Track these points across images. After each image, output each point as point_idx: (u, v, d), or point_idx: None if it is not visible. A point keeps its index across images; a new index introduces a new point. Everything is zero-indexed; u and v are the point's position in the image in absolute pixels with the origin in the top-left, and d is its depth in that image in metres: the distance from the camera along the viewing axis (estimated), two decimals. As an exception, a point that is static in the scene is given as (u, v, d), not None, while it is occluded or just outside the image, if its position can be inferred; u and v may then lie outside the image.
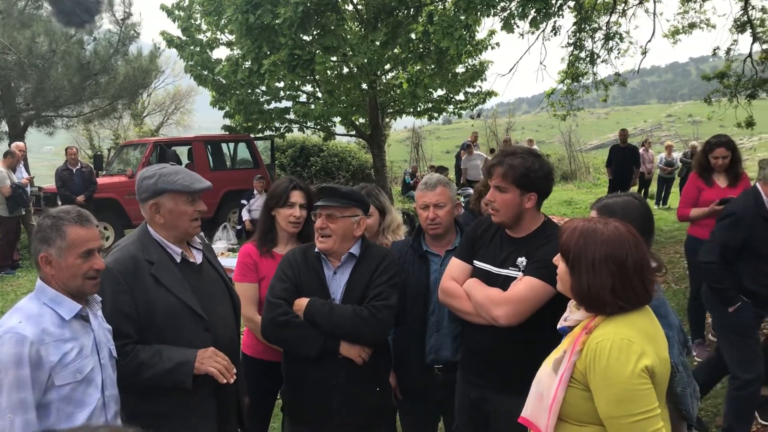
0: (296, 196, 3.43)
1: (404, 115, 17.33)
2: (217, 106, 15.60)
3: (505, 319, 2.72)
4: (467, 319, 2.93)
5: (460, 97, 16.51)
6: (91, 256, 2.33)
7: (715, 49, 14.18)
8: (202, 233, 2.98)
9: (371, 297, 2.91)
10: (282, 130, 16.51)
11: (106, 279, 2.55)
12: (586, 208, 15.48)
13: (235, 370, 2.70)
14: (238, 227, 13.02)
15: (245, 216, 12.48)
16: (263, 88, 14.76)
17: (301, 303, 2.91)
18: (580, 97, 14.73)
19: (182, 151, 15.36)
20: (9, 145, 13.44)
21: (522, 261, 2.81)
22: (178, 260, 2.75)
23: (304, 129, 16.99)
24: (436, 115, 16.87)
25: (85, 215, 2.35)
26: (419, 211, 3.34)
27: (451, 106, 16.76)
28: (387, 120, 18.10)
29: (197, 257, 2.87)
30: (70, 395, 2.25)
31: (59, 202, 11.75)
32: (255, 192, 12.65)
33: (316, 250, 3.00)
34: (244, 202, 12.66)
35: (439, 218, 3.29)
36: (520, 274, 2.79)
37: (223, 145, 15.52)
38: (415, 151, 25.99)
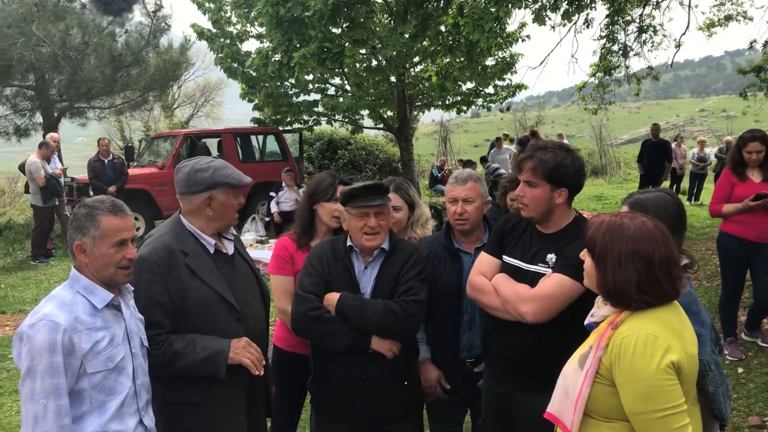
0: (341, 190, 3.42)
1: (432, 108, 17.31)
2: (247, 98, 15.68)
3: (533, 315, 2.71)
4: (494, 314, 2.93)
5: (490, 90, 16.40)
6: (124, 245, 2.35)
7: (752, 42, 13.80)
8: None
9: (401, 292, 2.91)
10: (310, 123, 16.56)
11: (141, 269, 2.58)
12: (616, 204, 15.36)
13: (264, 362, 2.72)
14: (267, 219, 13.11)
15: (273, 208, 12.54)
16: (292, 80, 14.82)
17: (332, 298, 2.91)
18: (611, 90, 14.51)
19: (212, 143, 15.48)
20: (44, 136, 13.63)
21: (551, 257, 2.80)
22: (212, 251, 2.78)
23: (332, 122, 17.04)
24: (464, 108, 16.77)
25: (119, 205, 2.37)
26: (447, 205, 3.34)
27: (480, 99, 16.64)
28: (415, 113, 18.03)
29: (229, 248, 2.89)
30: (102, 383, 2.27)
31: (91, 193, 11.85)
32: (283, 184, 12.66)
33: (349, 244, 3.02)
34: (272, 194, 12.71)
35: (467, 213, 3.29)
36: (549, 270, 2.78)
37: (252, 138, 15.58)
38: (443, 144, 25.97)
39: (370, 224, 2.93)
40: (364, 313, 2.86)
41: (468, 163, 16.12)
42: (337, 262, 2.99)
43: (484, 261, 3.02)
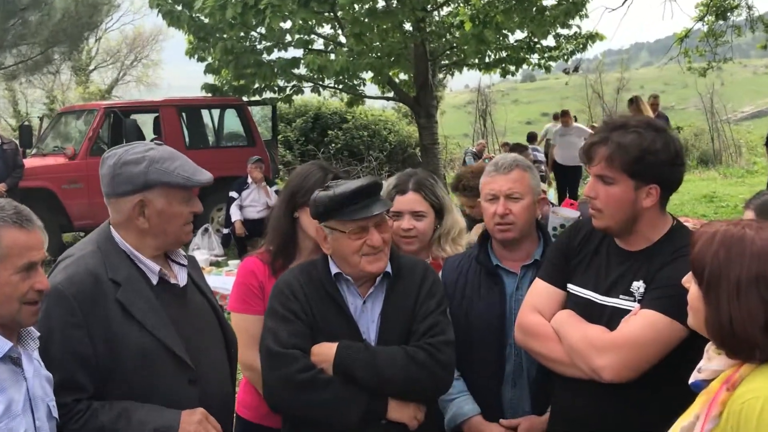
0: None
1: (465, 69, 17.48)
2: (196, 56, 15.92)
3: (612, 371, 2.70)
4: (557, 369, 2.94)
5: (549, 41, 16.62)
6: (32, 271, 2.38)
7: None
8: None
9: (423, 331, 2.97)
10: (288, 92, 16.70)
11: (53, 306, 2.60)
12: (736, 207, 15.26)
13: None
14: (225, 231, 13.30)
15: (235, 215, 12.69)
16: (262, 30, 14.96)
17: (325, 350, 2.94)
18: (727, 42, 14.43)
19: (145, 121, 15.77)
20: None
21: (639, 286, 2.79)
22: (155, 281, 2.82)
23: (320, 89, 17.23)
24: (512, 68, 16.89)
25: (25, 213, 2.38)
26: (484, 204, 3.39)
27: (536, 56, 16.84)
28: (440, 76, 18.46)
29: (180, 277, 2.95)
30: None
31: (-31, 194, 11.69)
32: (249, 181, 12.83)
33: (335, 271, 3.05)
34: (233, 194, 12.86)
35: (513, 215, 3.32)
36: (636, 305, 2.77)
37: (204, 113, 15.87)
38: (481, 121, 25.81)
39: (372, 242, 2.97)
40: (379, 367, 2.89)
41: (517, 149, 15.89)
42: (321, 298, 3.03)
43: (541, 292, 3.04)
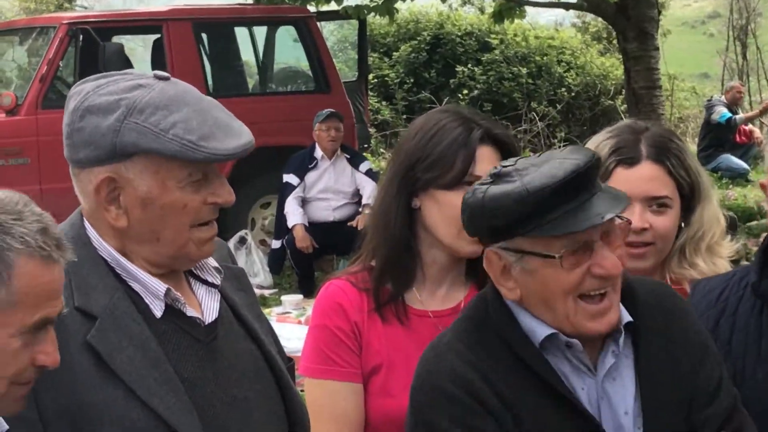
0: (486, 157, 2.86)
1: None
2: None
3: None
4: None
5: None
6: (41, 333, 1.97)
7: None
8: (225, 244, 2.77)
9: (717, 425, 2.42)
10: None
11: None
12: None
13: None
14: (275, 244, 11.13)
15: (294, 216, 10.62)
16: None
17: None
18: None
19: (136, 47, 15.80)
20: None
21: None
22: (158, 312, 2.32)
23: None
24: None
25: (57, 237, 1.98)
26: None
27: None
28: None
29: (208, 306, 2.46)
30: None
31: None
32: (318, 155, 10.80)
33: (550, 332, 2.46)
34: (291, 179, 10.74)
35: None
36: None
37: (240, 33, 13.55)
38: (737, 47, 22.47)
39: (603, 268, 2.34)
40: None
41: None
42: (528, 390, 2.42)
43: None
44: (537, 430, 2.32)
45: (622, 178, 2.88)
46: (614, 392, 2.38)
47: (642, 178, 2.93)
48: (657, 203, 2.93)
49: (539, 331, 2.38)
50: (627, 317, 2.38)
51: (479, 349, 2.42)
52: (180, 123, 2.19)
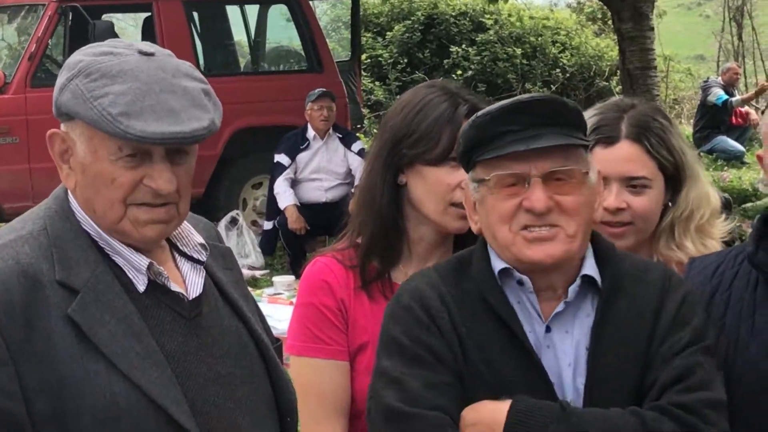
0: None
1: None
2: None
3: None
4: None
5: None
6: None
7: None
8: (211, 224, 2.75)
9: (669, 382, 2.41)
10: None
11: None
12: None
13: None
14: (267, 225, 11.38)
15: (285, 197, 10.74)
16: None
17: (487, 413, 2.43)
18: None
19: (126, 26, 16.39)
20: None
21: None
22: (142, 287, 2.33)
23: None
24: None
25: None
26: None
27: None
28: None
29: (192, 282, 2.46)
30: None
31: None
32: (310, 135, 10.98)
33: (502, 266, 2.52)
34: (282, 160, 10.89)
35: None
36: None
37: (232, 11, 14.14)
38: (733, 28, 22.87)
39: (531, 203, 2.41)
40: None
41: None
42: (481, 322, 2.50)
43: None
44: (480, 357, 2.37)
45: (600, 158, 2.88)
46: (561, 342, 2.42)
47: (619, 158, 2.96)
48: (634, 183, 2.97)
49: (496, 265, 2.43)
50: (590, 272, 2.41)
51: (449, 279, 2.48)
52: (112, 95, 2.18)
